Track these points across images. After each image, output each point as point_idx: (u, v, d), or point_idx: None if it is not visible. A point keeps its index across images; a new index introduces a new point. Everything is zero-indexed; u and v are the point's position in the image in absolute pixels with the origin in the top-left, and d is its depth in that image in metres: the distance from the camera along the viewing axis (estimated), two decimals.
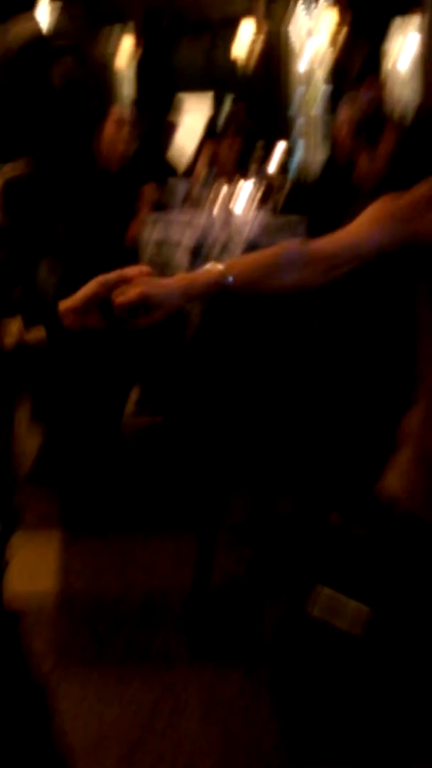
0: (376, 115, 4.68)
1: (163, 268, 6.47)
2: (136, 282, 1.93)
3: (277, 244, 2.28)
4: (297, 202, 6.80)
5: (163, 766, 3.32)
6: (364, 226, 2.26)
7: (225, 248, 6.30)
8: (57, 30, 1.85)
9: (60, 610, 4.22)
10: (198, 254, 6.33)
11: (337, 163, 5.80)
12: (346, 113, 5.70)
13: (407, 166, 4.11)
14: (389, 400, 3.27)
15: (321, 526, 3.68)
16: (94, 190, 6.10)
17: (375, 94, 6.56)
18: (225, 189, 6.93)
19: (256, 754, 3.40)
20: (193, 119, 10.04)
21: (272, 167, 7.79)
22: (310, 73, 11.85)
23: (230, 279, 2.02)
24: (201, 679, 3.83)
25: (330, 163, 6.42)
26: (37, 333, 1.95)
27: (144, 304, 1.91)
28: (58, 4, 11.06)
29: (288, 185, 7.22)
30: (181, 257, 6.47)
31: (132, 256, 6.35)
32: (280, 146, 9.06)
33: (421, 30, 8.69)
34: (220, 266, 2.07)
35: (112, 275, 1.95)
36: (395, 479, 2.50)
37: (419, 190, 2.27)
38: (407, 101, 9.25)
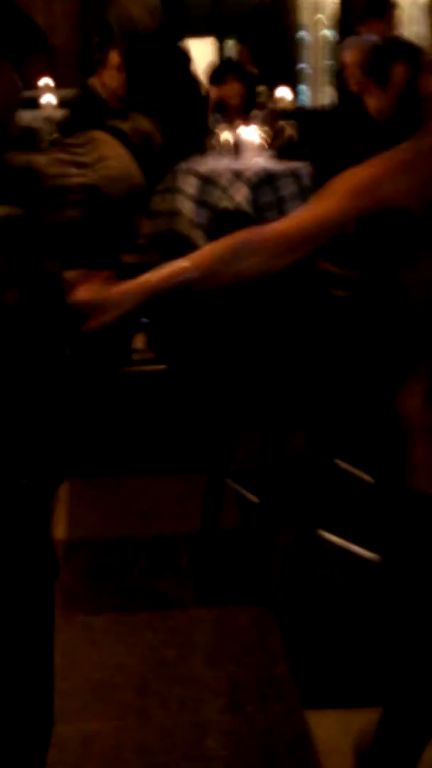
0: (384, 54, 4.60)
1: (168, 215, 6.45)
2: (90, 287, 2.00)
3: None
4: (302, 147, 6.74)
5: (170, 707, 3.33)
6: (320, 205, 2.22)
7: (225, 193, 6.27)
8: None
9: (67, 556, 4.18)
10: (201, 202, 6.30)
11: (344, 106, 5.76)
12: (350, 57, 5.62)
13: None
14: (394, 351, 3.18)
15: (327, 471, 3.68)
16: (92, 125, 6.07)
17: (381, 31, 6.44)
18: (228, 135, 6.87)
19: (262, 695, 3.41)
20: (198, 60, 9.96)
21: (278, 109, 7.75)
22: (313, 15, 11.74)
23: (191, 272, 2.06)
24: (206, 623, 3.86)
25: (341, 102, 6.36)
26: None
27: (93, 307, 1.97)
28: None
29: (292, 131, 7.12)
30: (184, 204, 6.43)
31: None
32: (282, 91, 8.98)
33: None
34: (182, 261, 2.09)
35: (75, 275, 2.02)
36: (423, 478, 2.35)
37: (377, 162, 2.22)
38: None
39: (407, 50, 4.66)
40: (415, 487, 2.37)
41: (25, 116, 9.19)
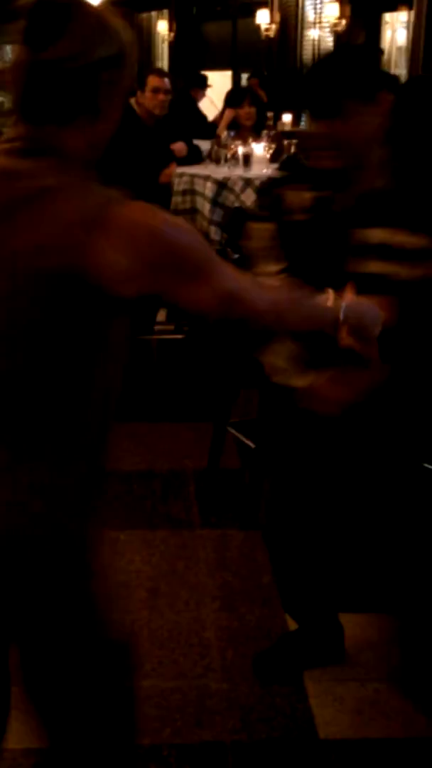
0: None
1: (190, 212, 6.48)
2: None
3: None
4: (300, 161, 6.73)
5: (177, 606, 3.39)
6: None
7: (237, 198, 6.29)
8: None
9: None
10: (216, 203, 6.32)
11: None
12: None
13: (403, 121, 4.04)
14: None
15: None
16: (135, 140, 6.12)
17: None
18: (242, 148, 6.91)
19: (251, 599, 3.46)
20: (216, 91, 9.94)
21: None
22: (315, 51, 11.67)
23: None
24: (208, 541, 3.89)
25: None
26: None
27: None
28: None
29: (293, 148, 7.15)
30: (203, 205, 6.46)
31: (164, 194, 6.45)
32: (287, 117, 9.00)
33: (408, 22, 8.54)
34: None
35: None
36: None
37: None
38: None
39: (390, 81, 4.68)
40: None
41: None
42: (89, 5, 1.61)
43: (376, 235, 2.22)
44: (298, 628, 3.12)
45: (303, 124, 11.28)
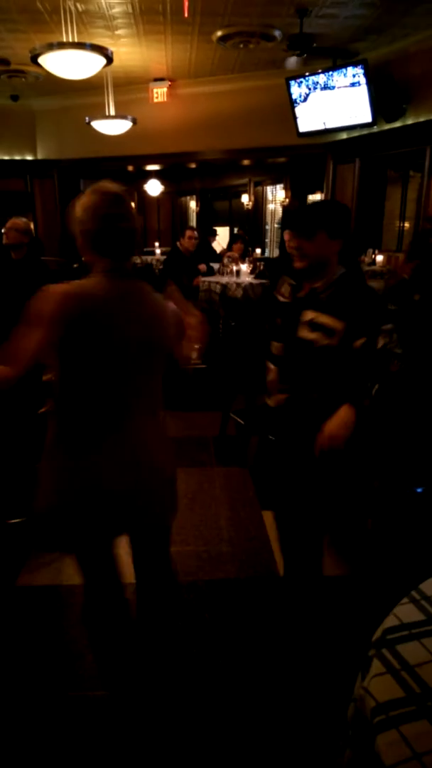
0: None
1: (208, 302, 6.54)
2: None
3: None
4: (266, 273, 6.78)
5: (203, 508, 3.36)
6: None
7: (234, 292, 6.36)
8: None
9: None
10: (224, 296, 6.38)
11: (286, 253, 5.77)
12: (287, 235, 5.69)
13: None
14: None
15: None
16: (179, 264, 6.18)
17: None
18: (235, 267, 6.97)
19: (243, 504, 3.43)
20: (221, 237, 10.00)
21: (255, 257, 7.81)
22: (273, 217, 11.77)
23: None
24: (220, 474, 3.84)
25: (282, 255, 6.41)
26: None
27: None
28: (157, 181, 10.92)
29: (261, 266, 7.20)
30: (215, 297, 6.52)
31: (195, 291, 6.50)
32: (258, 250, 9.04)
33: (322, 199, 8.63)
34: None
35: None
36: None
37: None
38: None
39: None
40: None
41: (147, 258, 9.26)
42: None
43: (310, 314, 2.17)
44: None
45: (267, 253, 11.40)
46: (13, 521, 2.76)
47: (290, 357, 2.27)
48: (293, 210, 9.08)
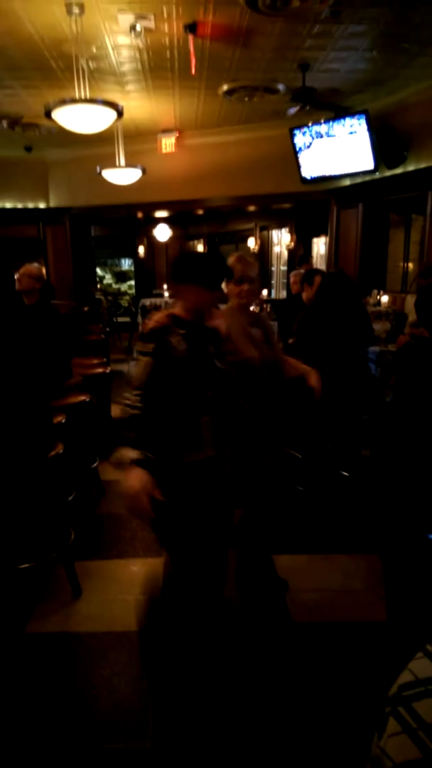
0: (309, 274, 4.71)
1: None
2: None
3: None
4: (272, 315, 6.82)
5: None
6: None
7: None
8: None
9: None
10: None
11: (292, 294, 5.84)
12: (294, 276, 5.75)
13: (323, 295, 4.10)
14: None
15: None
16: None
17: (307, 267, 6.59)
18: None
19: None
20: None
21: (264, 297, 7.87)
22: (278, 259, 11.93)
23: None
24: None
25: (288, 296, 6.48)
26: None
27: None
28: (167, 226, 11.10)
29: (268, 308, 7.26)
30: None
31: None
32: (264, 291, 9.13)
33: (326, 242, 8.76)
34: None
35: None
36: None
37: None
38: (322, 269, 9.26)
39: (319, 272, 4.80)
40: None
41: (156, 300, 9.35)
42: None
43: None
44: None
45: (273, 294, 11.50)
46: (22, 566, 2.72)
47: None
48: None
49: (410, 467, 2.53)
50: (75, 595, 2.92)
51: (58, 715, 2.15)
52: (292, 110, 6.38)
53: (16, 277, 4.07)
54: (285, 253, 11.58)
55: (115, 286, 16.29)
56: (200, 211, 10.79)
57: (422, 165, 6.45)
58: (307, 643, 2.51)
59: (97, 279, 14.33)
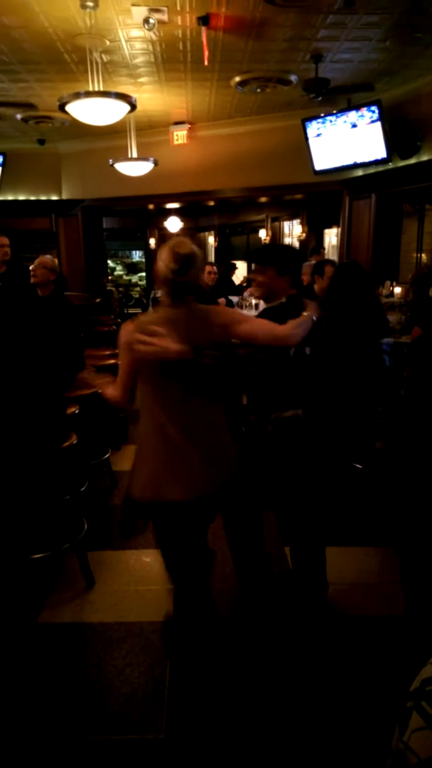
0: (320, 265, 4.68)
1: None
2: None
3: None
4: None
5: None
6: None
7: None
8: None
9: None
10: None
11: (303, 286, 5.83)
12: (306, 267, 5.71)
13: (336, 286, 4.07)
14: None
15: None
16: (196, 298, 6.21)
17: (318, 259, 6.54)
18: (254, 300, 7.00)
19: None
20: (239, 271, 10.06)
21: None
22: None
23: None
24: None
25: (300, 288, 6.44)
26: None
27: None
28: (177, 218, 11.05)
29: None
30: None
31: None
32: None
33: (338, 233, 8.69)
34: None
35: None
36: None
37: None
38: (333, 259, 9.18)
39: (330, 262, 4.77)
40: None
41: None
42: (198, 250, 2.09)
43: None
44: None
45: None
46: (35, 556, 2.73)
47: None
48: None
49: (425, 459, 2.50)
50: (88, 586, 2.92)
51: (71, 706, 2.16)
52: (318, 98, 6.22)
53: (30, 268, 4.07)
54: (296, 245, 11.49)
55: (126, 277, 16.25)
56: (211, 203, 10.73)
57: None
58: (321, 636, 2.49)
59: (109, 270, 14.31)
